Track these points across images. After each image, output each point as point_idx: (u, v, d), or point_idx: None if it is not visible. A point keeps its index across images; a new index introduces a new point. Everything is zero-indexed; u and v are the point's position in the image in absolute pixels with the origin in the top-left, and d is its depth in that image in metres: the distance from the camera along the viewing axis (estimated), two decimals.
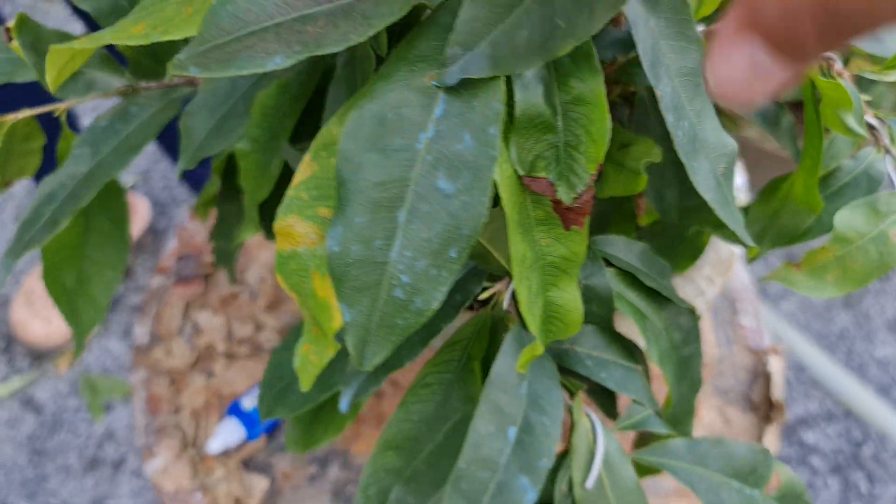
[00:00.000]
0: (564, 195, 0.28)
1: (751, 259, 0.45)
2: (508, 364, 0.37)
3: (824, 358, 1.26)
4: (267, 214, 0.45)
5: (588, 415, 0.40)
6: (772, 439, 0.63)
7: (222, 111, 0.40)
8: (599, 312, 0.42)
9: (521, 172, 0.28)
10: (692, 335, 0.46)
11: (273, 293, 0.72)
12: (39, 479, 1.22)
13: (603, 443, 0.39)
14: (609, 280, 0.41)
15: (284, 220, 0.29)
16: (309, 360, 0.32)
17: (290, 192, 0.29)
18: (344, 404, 0.37)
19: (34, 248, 0.44)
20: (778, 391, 0.66)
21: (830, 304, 1.35)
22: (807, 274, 0.42)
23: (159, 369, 0.68)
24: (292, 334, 0.43)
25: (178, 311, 0.71)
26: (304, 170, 0.29)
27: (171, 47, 0.48)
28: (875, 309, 1.36)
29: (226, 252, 0.55)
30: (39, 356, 1.32)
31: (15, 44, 0.40)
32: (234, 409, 0.66)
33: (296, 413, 0.42)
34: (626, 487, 0.39)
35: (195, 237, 0.75)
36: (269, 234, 0.47)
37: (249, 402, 0.66)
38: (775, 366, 0.67)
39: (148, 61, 0.48)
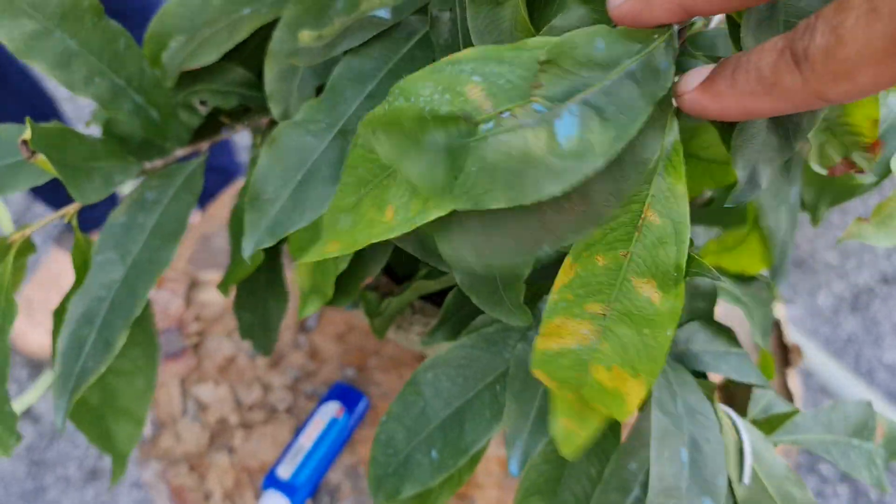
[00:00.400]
0: (863, 162, 0.28)
1: (816, 224, 0.46)
2: (660, 382, 0.36)
3: (833, 363, 1.27)
4: (340, 284, 0.42)
5: (726, 411, 0.40)
6: (795, 382, 0.66)
7: (299, 176, 0.35)
8: (704, 307, 0.42)
9: (824, 170, 0.28)
10: (768, 305, 0.47)
11: None
12: (38, 491, 1.18)
13: (748, 437, 0.39)
14: None
15: (551, 322, 0.29)
16: (573, 434, 0.31)
17: (554, 296, 0.29)
18: (514, 467, 0.35)
19: (90, 379, 0.38)
20: (789, 334, 0.68)
21: (838, 309, 1.36)
22: (875, 226, 0.43)
23: (173, 458, 0.62)
24: (399, 406, 0.40)
25: (175, 390, 0.65)
26: (566, 272, 0.28)
27: (172, 120, 0.43)
28: (883, 313, 1.36)
29: (258, 326, 0.51)
30: (38, 366, 1.27)
31: (41, 158, 0.34)
32: (271, 481, 0.61)
33: (430, 485, 0.39)
34: (779, 475, 0.39)
35: (169, 308, 0.69)
36: (338, 303, 0.43)
37: (285, 471, 0.61)
38: (780, 312, 0.70)
39: (150, 136, 0.43)
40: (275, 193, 0.35)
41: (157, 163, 0.43)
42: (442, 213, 0.24)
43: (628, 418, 0.30)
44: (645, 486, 0.37)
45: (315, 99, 0.36)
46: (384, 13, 0.37)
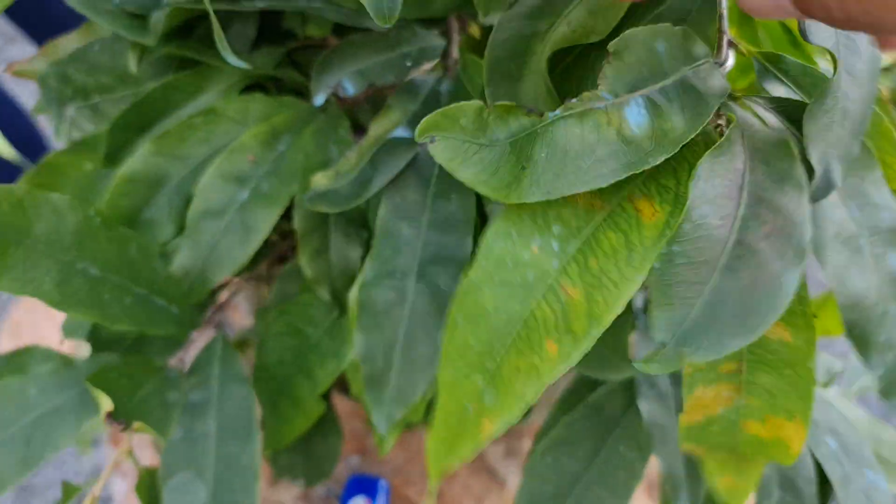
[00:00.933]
0: None
1: None
2: None
3: None
4: None
5: None
6: None
7: (401, 336, 0.33)
8: None
9: None
10: None
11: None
12: None
13: (827, 400, 0.43)
14: None
15: (690, 396, 0.28)
16: (738, 488, 0.31)
17: (686, 369, 0.28)
18: None
19: None
20: None
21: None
22: None
23: None
24: (525, 498, 0.39)
25: None
26: None
27: (188, 308, 0.38)
28: None
29: (301, 464, 0.47)
30: None
31: (138, 425, 0.29)
32: None
33: None
34: (865, 423, 0.43)
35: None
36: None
37: None
38: None
39: (169, 333, 0.38)
40: (385, 362, 0.33)
41: (179, 355, 0.39)
42: (618, 310, 0.23)
43: (791, 463, 0.31)
44: (782, 486, 0.39)
45: (372, 251, 0.34)
46: (404, 132, 0.36)
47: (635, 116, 0.23)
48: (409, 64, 0.37)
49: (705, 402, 0.28)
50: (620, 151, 0.23)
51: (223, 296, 0.42)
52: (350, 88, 0.37)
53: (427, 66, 0.38)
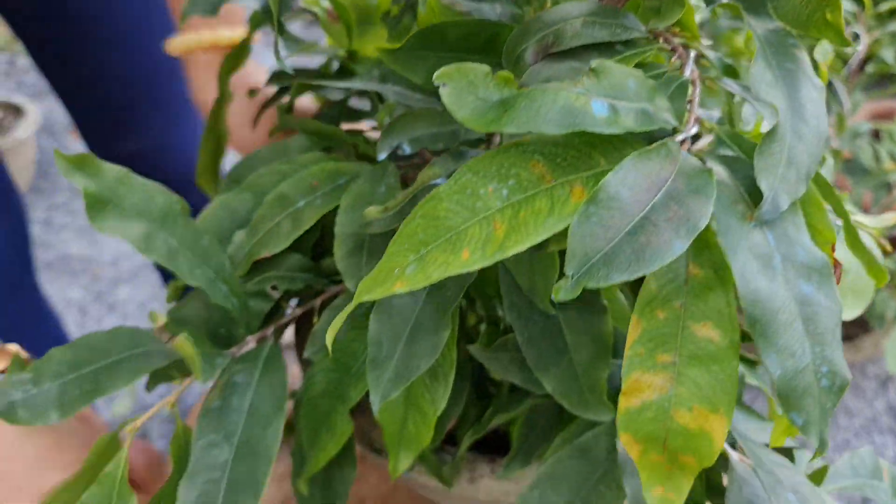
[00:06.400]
0: None
1: None
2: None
3: None
4: None
5: None
6: None
7: (406, 333, 0.40)
8: None
9: None
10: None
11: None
12: None
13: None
14: None
15: (629, 378, 0.32)
16: (669, 501, 0.34)
17: (628, 352, 0.32)
18: None
19: None
20: None
21: None
22: None
23: None
24: None
25: None
26: (634, 328, 0.33)
27: (246, 309, 0.46)
28: None
29: (319, 498, 0.51)
30: None
31: (181, 338, 0.37)
32: None
33: None
34: None
35: None
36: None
37: None
38: None
39: (228, 325, 0.46)
40: (389, 351, 0.39)
41: (234, 350, 0.46)
42: (521, 249, 0.30)
43: (713, 462, 0.33)
44: None
45: None
46: (442, 182, 0.44)
47: (599, 108, 0.31)
48: (458, 138, 0.47)
49: (642, 387, 0.32)
50: (585, 119, 0.31)
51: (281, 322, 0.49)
52: (407, 149, 0.47)
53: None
